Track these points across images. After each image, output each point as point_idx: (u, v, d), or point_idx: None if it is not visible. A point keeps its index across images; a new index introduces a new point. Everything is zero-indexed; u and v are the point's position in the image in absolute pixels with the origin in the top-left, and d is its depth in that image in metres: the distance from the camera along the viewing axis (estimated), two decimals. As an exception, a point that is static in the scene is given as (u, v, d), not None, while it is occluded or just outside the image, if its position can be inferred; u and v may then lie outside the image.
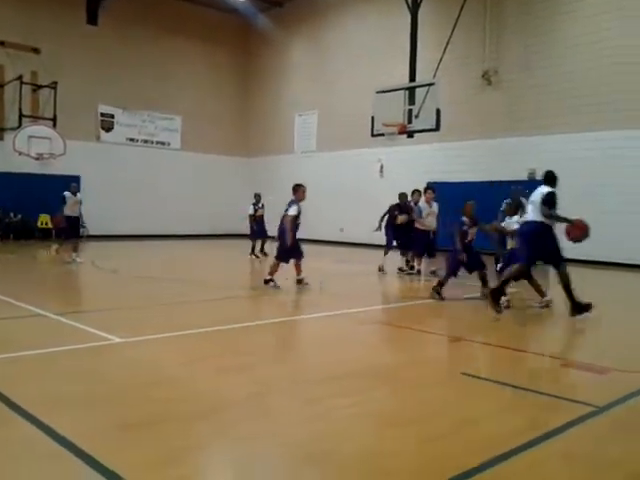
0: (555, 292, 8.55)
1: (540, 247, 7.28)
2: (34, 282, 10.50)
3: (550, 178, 7.61)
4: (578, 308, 7.18)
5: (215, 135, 24.92)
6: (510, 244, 8.34)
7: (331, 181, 21.83)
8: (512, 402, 4.20)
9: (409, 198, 12.56)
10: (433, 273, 11.92)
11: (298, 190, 9.88)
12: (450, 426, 3.66)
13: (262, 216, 15.61)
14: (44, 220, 20.70)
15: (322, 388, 4.42)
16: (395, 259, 12.40)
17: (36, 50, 19.93)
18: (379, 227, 12.54)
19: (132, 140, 23.11)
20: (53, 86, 19.62)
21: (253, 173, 25.59)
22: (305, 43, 23.80)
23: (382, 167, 20.51)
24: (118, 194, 21.66)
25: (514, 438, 3.40)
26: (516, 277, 7.37)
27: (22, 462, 3.03)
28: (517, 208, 8.42)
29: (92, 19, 21.75)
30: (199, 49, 24.45)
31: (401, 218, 12.16)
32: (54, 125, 19.53)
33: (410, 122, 15.09)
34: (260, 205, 15.71)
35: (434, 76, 15.91)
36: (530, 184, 15.64)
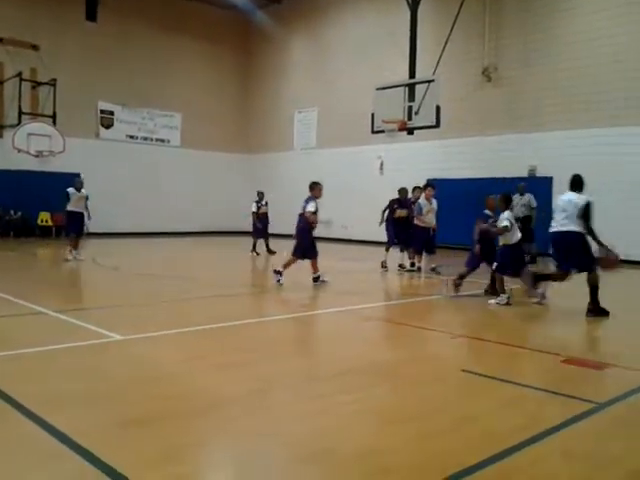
0: (553, 292, 8.54)
1: (578, 255, 7.28)
2: (34, 279, 10.51)
3: (578, 183, 7.44)
4: (597, 311, 7.22)
5: (215, 132, 24.89)
6: (502, 240, 8.34)
7: (331, 178, 21.66)
8: (512, 399, 4.20)
9: (409, 195, 12.58)
10: (433, 270, 11.93)
11: (315, 188, 9.95)
12: (450, 423, 3.66)
13: (265, 214, 15.59)
14: (44, 218, 20.71)
15: (323, 385, 4.43)
16: (396, 256, 12.39)
17: (35, 47, 19.89)
18: (382, 221, 12.59)
19: (132, 137, 23.09)
20: (52, 83, 19.58)
21: (253, 170, 25.57)
22: (305, 40, 23.76)
23: (382, 164, 20.51)
24: (118, 191, 21.65)
25: (514, 435, 3.41)
26: (556, 279, 7.32)
27: (22, 460, 3.04)
28: (508, 203, 8.41)
29: (91, 16, 21.72)
30: (198, 46, 24.41)
31: (400, 212, 12.18)
32: (53, 122, 19.50)
33: (410, 119, 15.07)
34: (263, 203, 15.68)
35: (434, 73, 15.88)
36: (530, 181, 15.78)
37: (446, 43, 16.45)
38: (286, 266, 9.71)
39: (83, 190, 13.25)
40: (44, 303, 7.33)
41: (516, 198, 13.99)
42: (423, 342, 6.21)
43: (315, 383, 4.51)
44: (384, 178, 19.87)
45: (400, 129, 15.36)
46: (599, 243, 7.21)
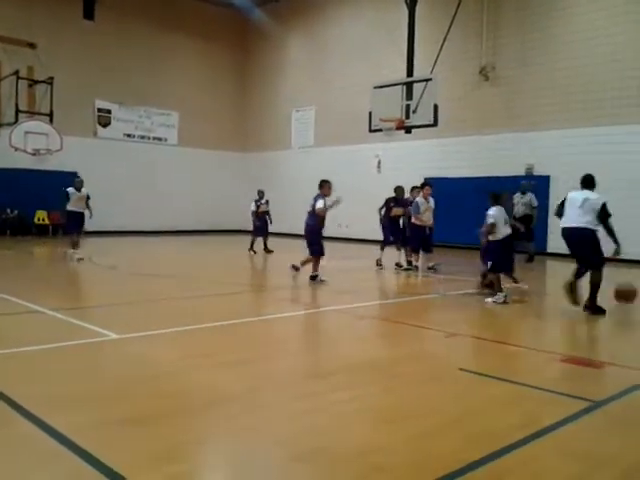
0: (550, 291, 8.55)
1: (589, 252, 7.45)
2: (31, 278, 10.48)
3: (591, 181, 7.62)
4: (595, 309, 7.29)
5: (212, 130, 24.85)
6: (491, 237, 8.45)
7: (328, 177, 21.67)
8: (509, 397, 4.21)
9: (407, 195, 12.56)
10: (430, 269, 11.94)
11: (324, 186, 10.03)
12: (446, 421, 3.66)
13: (265, 212, 15.55)
14: (41, 216, 20.67)
15: (319, 383, 4.43)
16: (392, 254, 12.38)
17: (32, 45, 19.83)
18: (381, 219, 12.56)
19: (129, 136, 23.05)
20: (49, 81, 19.54)
21: (250, 169, 25.55)
22: (302, 38, 23.74)
23: (380, 163, 20.51)
24: (115, 190, 21.59)
25: (511, 433, 3.42)
26: (600, 282, 7.42)
27: (19, 460, 3.03)
28: (496, 200, 8.45)
29: (88, 14, 21.65)
30: (196, 44, 24.36)
31: (396, 210, 12.18)
32: (51, 120, 19.46)
33: (408, 117, 15.08)
34: (263, 202, 15.63)
35: (431, 72, 15.89)
36: (527, 180, 15.78)
37: (444, 42, 16.47)
38: (315, 268, 9.76)
39: (83, 189, 13.12)
40: (41, 302, 7.32)
41: (517, 197, 14.03)
42: (420, 341, 6.22)
43: (311, 381, 4.51)
44: (382, 177, 19.86)
45: (398, 128, 15.37)
46: (616, 242, 7.33)
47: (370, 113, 15.56)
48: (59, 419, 3.45)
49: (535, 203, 14.22)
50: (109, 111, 22.40)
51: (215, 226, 24.58)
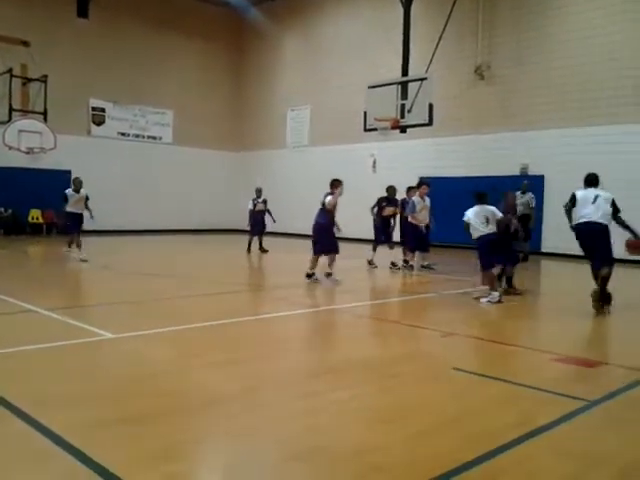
0: (548, 290, 8.57)
1: (603, 247, 7.67)
2: (25, 278, 10.43)
3: (595, 180, 7.92)
4: (605, 298, 7.58)
5: (207, 129, 24.80)
6: (473, 235, 8.51)
7: (323, 176, 21.66)
8: (504, 397, 4.21)
9: (404, 195, 12.56)
10: (425, 268, 11.95)
11: (336, 184, 9.99)
12: (442, 421, 3.66)
13: (262, 211, 15.49)
14: (35, 215, 20.58)
15: (316, 383, 4.43)
16: (385, 254, 12.39)
17: (26, 43, 19.69)
18: (374, 218, 12.53)
19: (123, 134, 22.97)
20: (43, 80, 19.44)
21: (245, 167, 25.52)
22: (298, 37, 23.71)
23: (375, 162, 20.51)
24: (109, 189, 21.48)
25: (506, 433, 3.42)
26: (610, 276, 7.65)
27: (13, 460, 3.01)
28: (479, 199, 8.47)
29: (82, 12, 21.55)
30: (191, 43, 24.29)
31: (389, 210, 12.19)
32: (45, 119, 19.37)
33: (403, 117, 15.09)
34: (260, 200, 15.56)
35: (427, 71, 15.90)
36: (523, 179, 15.81)
37: (439, 41, 16.48)
38: (330, 266, 9.81)
39: (82, 190, 12.81)
40: (35, 301, 7.28)
41: (517, 196, 14.07)
42: (416, 340, 6.22)
43: (309, 381, 4.50)
44: (377, 176, 19.86)
45: (393, 127, 15.39)
46: (632, 231, 7.60)
47: (365, 112, 15.57)
48: (54, 418, 3.43)
49: (533, 203, 14.24)
50: (103, 110, 22.32)
51: (210, 225, 24.54)
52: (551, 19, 16.31)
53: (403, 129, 15.97)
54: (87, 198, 12.82)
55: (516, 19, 16.93)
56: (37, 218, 20.62)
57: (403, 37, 16.67)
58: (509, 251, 8.87)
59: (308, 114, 23.14)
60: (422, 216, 11.80)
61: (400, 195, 12.86)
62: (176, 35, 23.75)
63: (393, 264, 12.13)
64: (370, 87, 15.58)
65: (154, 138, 23.84)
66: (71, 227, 12.79)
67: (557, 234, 15.48)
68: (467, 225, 8.37)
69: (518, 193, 14.11)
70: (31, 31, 19.87)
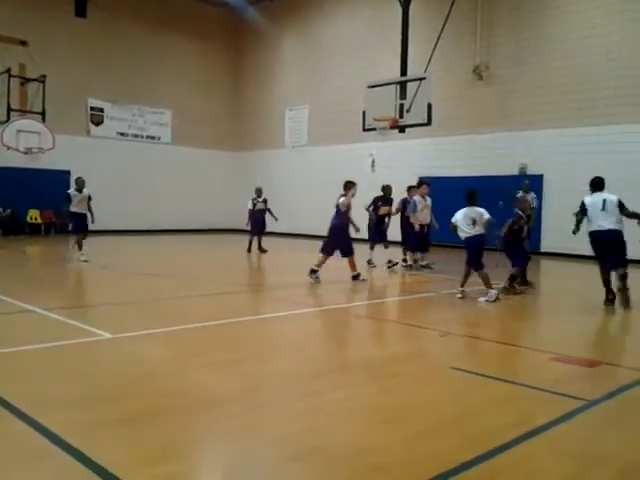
0: (546, 289, 8.55)
1: (619, 252, 7.84)
2: (24, 278, 10.42)
3: (601, 183, 8.12)
4: (627, 297, 7.68)
5: (205, 129, 24.78)
6: (461, 236, 8.64)
7: (322, 176, 21.81)
8: (503, 397, 4.21)
9: (403, 194, 12.58)
10: (424, 267, 11.95)
11: (349, 186, 10.11)
12: (441, 421, 3.66)
13: (261, 211, 15.46)
14: (33, 215, 20.57)
15: (315, 383, 4.42)
16: (382, 253, 12.40)
17: (24, 43, 19.69)
18: (371, 218, 12.53)
19: (122, 134, 22.95)
20: (42, 79, 19.43)
21: (244, 167, 25.51)
22: (296, 37, 23.70)
23: (373, 162, 20.50)
24: (108, 189, 21.45)
25: (505, 433, 3.41)
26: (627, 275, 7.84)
27: (12, 460, 3.00)
28: (470, 200, 8.51)
29: (81, 12, 21.53)
30: (189, 43, 24.27)
31: (384, 209, 12.21)
32: (43, 119, 19.36)
33: (402, 117, 15.08)
34: (260, 200, 15.53)
35: (425, 71, 15.89)
36: (522, 179, 15.83)
37: (438, 41, 16.47)
38: (353, 268, 9.91)
39: (85, 190, 12.53)
40: (33, 301, 7.27)
41: (519, 195, 14.10)
42: (415, 340, 6.22)
43: (307, 381, 4.50)
44: (376, 176, 19.83)
45: (392, 127, 15.39)
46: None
47: (364, 112, 15.56)
48: (53, 418, 3.43)
49: (534, 203, 14.25)
50: (102, 110, 22.30)
51: (209, 225, 24.52)
52: (550, 19, 16.31)
53: (402, 129, 15.97)
54: (90, 198, 12.55)
55: (515, 19, 16.93)
56: (35, 218, 20.60)
57: (402, 37, 16.67)
58: (524, 252, 9.10)
59: (307, 114, 23.14)
60: (423, 216, 11.81)
61: (399, 194, 12.87)
62: (174, 35, 23.73)
63: (390, 262, 12.14)
64: (369, 86, 15.58)
65: (153, 138, 23.82)
66: (76, 228, 12.49)
67: (556, 234, 15.50)
68: (454, 227, 8.55)
69: (520, 193, 14.14)
70: (29, 31, 19.85)
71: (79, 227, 12.45)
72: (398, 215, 12.61)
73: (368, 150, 20.32)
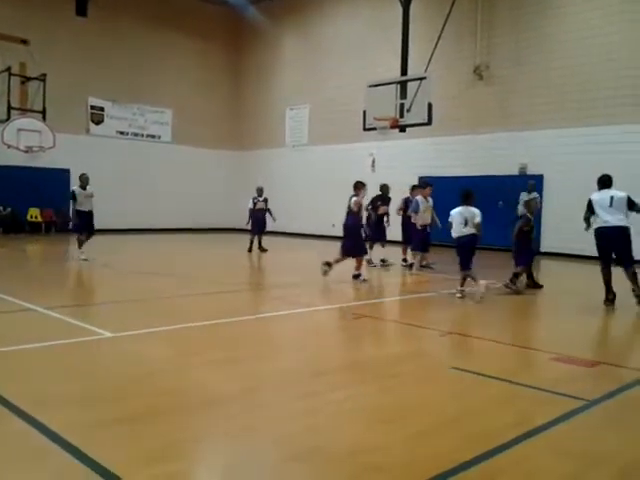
0: (545, 288, 8.54)
1: (626, 248, 7.87)
2: (24, 276, 10.42)
3: (609, 180, 8.18)
4: None
5: (206, 128, 24.78)
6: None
7: (322, 175, 21.83)
8: (503, 396, 4.22)
9: (401, 194, 12.59)
10: (425, 267, 11.96)
11: (359, 186, 10.21)
12: (440, 421, 3.66)
13: (262, 210, 15.46)
14: (34, 213, 20.56)
15: (315, 382, 4.42)
16: (379, 252, 12.40)
17: (25, 41, 19.68)
18: (369, 217, 12.56)
19: (122, 133, 22.95)
20: (42, 78, 19.41)
21: (244, 166, 25.51)
22: (296, 37, 23.70)
23: (374, 161, 20.50)
24: (108, 188, 21.43)
25: (505, 433, 3.42)
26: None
27: (11, 458, 3.01)
28: (465, 200, 8.56)
29: (81, 10, 21.53)
30: (190, 42, 24.27)
31: (383, 209, 12.24)
32: (43, 118, 19.35)
33: (402, 116, 15.07)
34: (261, 199, 15.53)
35: (426, 70, 15.89)
36: (522, 179, 15.84)
37: (438, 41, 16.47)
38: (358, 267, 9.99)
39: (89, 187, 12.38)
40: (34, 300, 7.27)
41: (523, 195, 14.15)
42: (415, 339, 6.22)
43: (307, 380, 4.50)
44: (376, 175, 19.82)
45: (392, 126, 15.38)
46: None
47: (364, 112, 15.56)
48: (52, 417, 3.43)
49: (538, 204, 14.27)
50: (102, 108, 22.29)
51: (209, 224, 24.52)
52: (550, 19, 16.32)
53: (402, 128, 15.96)
54: (91, 196, 12.40)
55: (515, 19, 16.93)
56: (36, 217, 20.60)
57: (402, 37, 16.65)
58: (530, 252, 9.24)
59: (307, 113, 23.14)
60: (425, 217, 11.85)
61: (401, 194, 12.89)
62: (175, 34, 23.73)
63: (383, 261, 12.19)
64: (370, 86, 15.57)
65: (153, 137, 23.82)
66: (81, 226, 12.33)
67: (556, 234, 15.51)
68: (451, 224, 8.67)
69: (524, 193, 14.19)
70: (30, 30, 19.85)
71: (81, 226, 12.33)
72: (399, 214, 12.65)
73: (368, 150, 20.33)
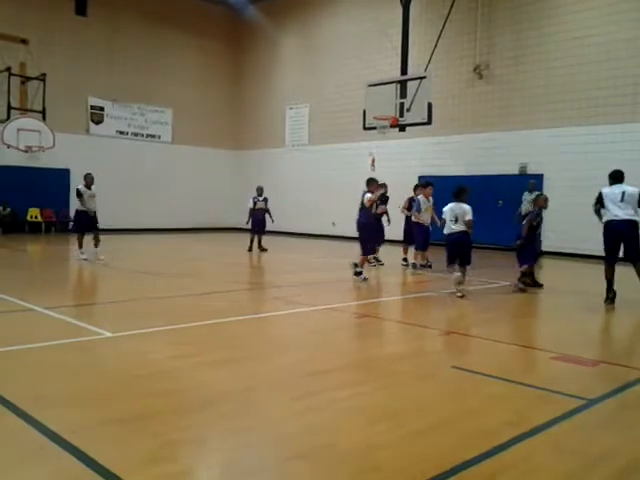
0: (545, 288, 8.53)
1: (635, 243, 7.87)
2: (24, 276, 10.42)
3: (621, 176, 8.08)
4: None
5: (206, 128, 24.79)
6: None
7: (322, 174, 21.83)
8: (503, 395, 4.22)
9: (410, 193, 12.63)
10: (424, 267, 11.96)
11: (371, 183, 10.31)
12: (441, 420, 3.66)
13: (262, 209, 15.46)
14: (34, 213, 20.56)
15: (314, 382, 4.42)
16: (383, 252, 12.42)
17: (24, 41, 19.66)
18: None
19: (122, 133, 22.95)
20: (42, 78, 19.40)
21: (244, 166, 25.51)
22: (296, 36, 23.69)
23: (374, 161, 20.46)
24: (108, 188, 21.39)
25: (505, 432, 3.42)
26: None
27: (10, 457, 3.00)
28: (457, 196, 8.56)
29: (81, 10, 21.53)
30: (190, 41, 24.27)
31: (382, 208, 12.26)
32: (43, 117, 19.33)
33: (402, 116, 15.06)
34: (261, 199, 15.52)
35: (426, 70, 15.87)
36: (522, 178, 15.84)
37: (438, 40, 16.46)
38: (361, 264, 10.03)
39: (93, 187, 12.25)
40: (34, 300, 7.27)
41: (525, 195, 14.18)
42: (413, 339, 6.22)
43: (306, 380, 4.50)
44: (376, 175, 19.77)
45: (392, 126, 15.37)
46: None
47: (364, 111, 15.56)
48: (52, 417, 3.43)
49: None
50: (102, 108, 22.29)
51: (209, 224, 24.53)
52: (549, 19, 16.32)
53: (402, 128, 15.95)
54: (94, 196, 12.31)
55: (514, 19, 16.93)
56: (36, 217, 20.60)
57: (402, 36, 16.64)
58: (534, 250, 9.26)
59: (307, 112, 23.13)
60: (425, 216, 11.86)
61: (402, 193, 12.90)
62: (175, 33, 23.73)
63: (376, 259, 12.23)
64: (370, 85, 15.57)
65: (153, 137, 23.82)
66: (84, 227, 12.22)
67: (556, 233, 15.50)
68: (444, 221, 8.71)
69: (526, 192, 14.21)
70: (30, 29, 19.83)
71: (87, 226, 12.20)
72: (402, 214, 12.67)
73: (368, 149, 20.29)
